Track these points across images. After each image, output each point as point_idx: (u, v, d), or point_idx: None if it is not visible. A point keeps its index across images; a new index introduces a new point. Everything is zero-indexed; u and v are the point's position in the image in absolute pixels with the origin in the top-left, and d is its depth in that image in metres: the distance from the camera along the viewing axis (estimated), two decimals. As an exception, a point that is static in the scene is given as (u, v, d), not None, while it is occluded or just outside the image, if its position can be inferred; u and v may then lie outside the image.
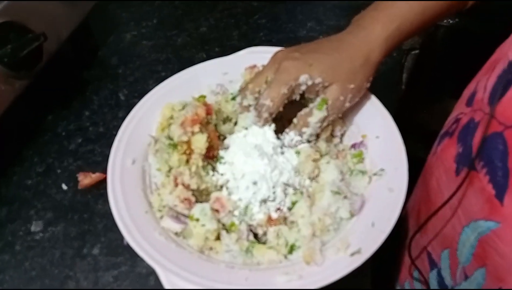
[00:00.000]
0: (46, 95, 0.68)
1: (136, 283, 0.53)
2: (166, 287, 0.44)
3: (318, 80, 0.53)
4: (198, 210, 0.50)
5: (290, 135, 0.55)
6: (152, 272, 0.54)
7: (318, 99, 0.54)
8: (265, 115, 0.54)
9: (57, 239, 0.57)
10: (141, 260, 0.54)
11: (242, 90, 0.57)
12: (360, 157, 0.56)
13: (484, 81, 0.47)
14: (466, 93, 0.52)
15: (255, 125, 0.55)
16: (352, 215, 0.51)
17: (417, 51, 0.80)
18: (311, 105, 0.54)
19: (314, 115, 0.53)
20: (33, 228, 0.58)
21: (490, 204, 0.42)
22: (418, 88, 0.84)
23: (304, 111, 0.54)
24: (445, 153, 0.51)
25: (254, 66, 0.61)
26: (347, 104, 0.55)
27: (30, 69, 0.61)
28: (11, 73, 0.58)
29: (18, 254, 0.56)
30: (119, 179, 0.53)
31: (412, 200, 0.59)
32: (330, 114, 0.54)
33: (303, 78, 0.52)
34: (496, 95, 0.42)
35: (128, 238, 0.48)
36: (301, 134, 0.54)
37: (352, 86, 0.54)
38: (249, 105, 0.56)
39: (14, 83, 0.59)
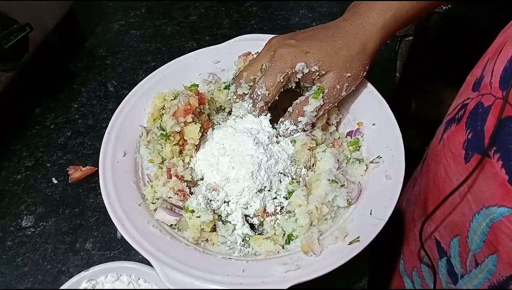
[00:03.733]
0: (33, 88, 0.66)
1: (131, 277, 0.52)
2: (162, 280, 0.44)
3: (314, 68, 0.52)
4: (193, 201, 0.49)
5: (285, 124, 0.54)
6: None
7: (314, 88, 0.53)
8: (261, 104, 0.53)
9: (49, 234, 0.56)
10: (135, 253, 0.53)
11: (236, 78, 0.56)
12: (356, 145, 0.56)
13: (491, 65, 0.46)
14: (471, 78, 0.51)
15: (251, 114, 0.54)
16: (349, 203, 0.50)
17: (411, 38, 0.79)
18: (306, 93, 0.53)
19: (310, 104, 0.52)
20: (24, 224, 0.57)
21: (503, 190, 0.42)
22: (412, 75, 0.84)
23: (300, 100, 0.53)
24: (452, 140, 0.51)
25: (248, 54, 0.60)
26: (343, 93, 0.54)
27: (16, 61, 0.59)
28: (-4, 65, 0.56)
29: (9, 250, 0.55)
30: (111, 172, 0.52)
31: (416, 189, 0.59)
32: (326, 103, 0.53)
33: (299, 66, 0.51)
34: (509, 79, 0.41)
35: (122, 232, 0.47)
36: (296, 123, 0.53)
37: (348, 74, 0.53)
38: (244, 94, 0.54)
39: (0, 76, 0.58)
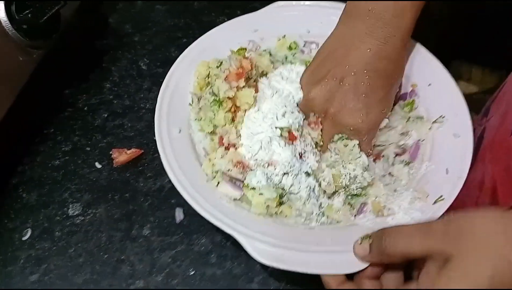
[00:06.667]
0: (61, 68, 0.61)
1: (197, 262, 0.49)
2: (252, 254, 0.41)
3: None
4: (252, 178, 0.46)
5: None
6: (211, 250, 0.50)
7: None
8: None
9: (101, 222, 0.52)
10: (197, 238, 0.51)
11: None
12: (411, 106, 0.54)
13: None
14: None
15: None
16: (407, 163, 0.49)
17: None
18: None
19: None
20: (70, 212, 0.53)
21: None
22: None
23: None
24: None
25: None
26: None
27: (47, 38, 0.55)
28: (29, 43, 0.52)
29: (59, 241, 0.51)
30: (171, 149, 0.48)
31: (478, 174, 0.55)
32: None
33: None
34: None
35: (199, 209, 0.44)
36: None
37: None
38: None
39: (32, 53, 0.53)
